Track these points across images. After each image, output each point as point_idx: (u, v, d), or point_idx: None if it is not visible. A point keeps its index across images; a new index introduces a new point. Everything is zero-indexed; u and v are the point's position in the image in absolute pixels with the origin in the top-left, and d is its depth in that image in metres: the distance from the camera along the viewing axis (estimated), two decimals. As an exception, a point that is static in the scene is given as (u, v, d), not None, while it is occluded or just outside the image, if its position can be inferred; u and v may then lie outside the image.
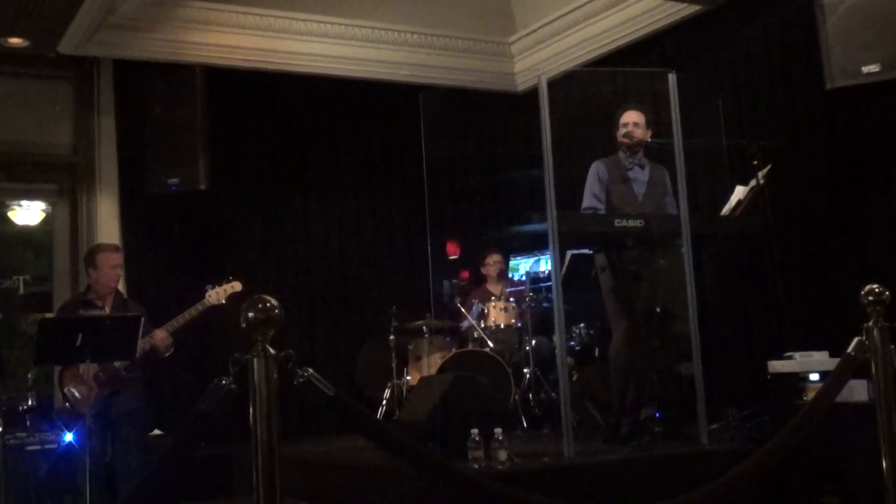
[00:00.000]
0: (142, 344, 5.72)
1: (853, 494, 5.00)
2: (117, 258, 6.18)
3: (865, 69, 5.96)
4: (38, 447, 6.37)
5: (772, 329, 6.51)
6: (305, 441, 6.75)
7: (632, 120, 5.86)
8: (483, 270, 8.18)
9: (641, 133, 5.85)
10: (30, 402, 7.20)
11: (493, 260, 8.09)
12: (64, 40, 7.19)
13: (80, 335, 5.28)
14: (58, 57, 7.46)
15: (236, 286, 6.21)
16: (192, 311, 6.06)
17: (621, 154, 5.93)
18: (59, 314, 6.36)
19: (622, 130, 5.86)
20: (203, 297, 6.15)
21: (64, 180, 7.99)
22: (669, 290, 5.61)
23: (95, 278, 6.12)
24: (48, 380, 7.58)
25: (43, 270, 9.83)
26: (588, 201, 5.80)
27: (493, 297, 7.58)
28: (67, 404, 5.93)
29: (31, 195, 8.49)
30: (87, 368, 5.60)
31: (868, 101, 6.27)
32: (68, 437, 6.17)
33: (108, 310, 6.03)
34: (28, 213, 9.00)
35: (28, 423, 6.75)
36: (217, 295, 6.16)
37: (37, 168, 7.90)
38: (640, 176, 5.91)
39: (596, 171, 5.86)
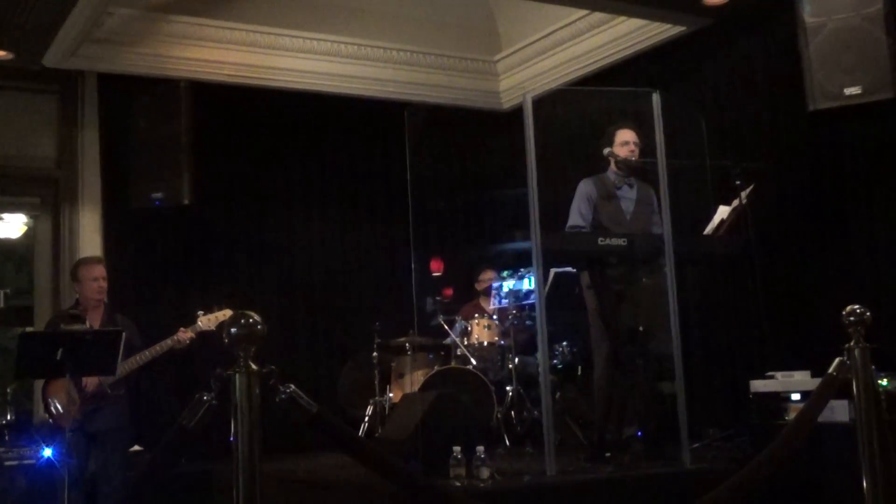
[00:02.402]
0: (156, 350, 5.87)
1: (834, 515, 5.01)
2: (98, 270, 6.13)
3: (847, 91, 6.02)
4: (16, 462, 6.29)
5: (753, 349, 6.52)
6: (287, 458, 6.70)
7: (632, 139, 5.87)
8: (477, 286, 8.18)
9: (637, 153, 5.87)
10: (8, 417, 7.14)
11: (487, 277, 8.08)
12: (48, 53, 7.17)
13: (61, 349, 5.25)
14: (42, 70, 7.44)
15: (227, 314, 6.14)
16: (182, 336, 6.02)
17: (611, 172, 5.94)
18: (46, 328, 6.33)
19: (620, 148, 5.86)
20: (194, 321, 6.13)
21: (46, 194, 7.95)
22: (652, 309, 5.62)
23: (80, 291, 6.11)
24: (27, 394, 7.51)
25: (24, 284, 9.78)
26: (573, 219, 5.81)
27: (485, 314, 7.58)
28: (49, 417, 5.89)
29: (13, 208, 8.44)
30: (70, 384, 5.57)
31: (850, 122, 6.32)
32: (47, 452, 6.11)
33: (95, 324, 5.99)
34: (9, 226, 8.95)
35: (6, 437, 6.69)
36: (207, 321, 6.12)
37: (19, 181, 7.87)
38: (629, 194, 5.93)
39: (585, 190, 5.86)
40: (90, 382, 5.73)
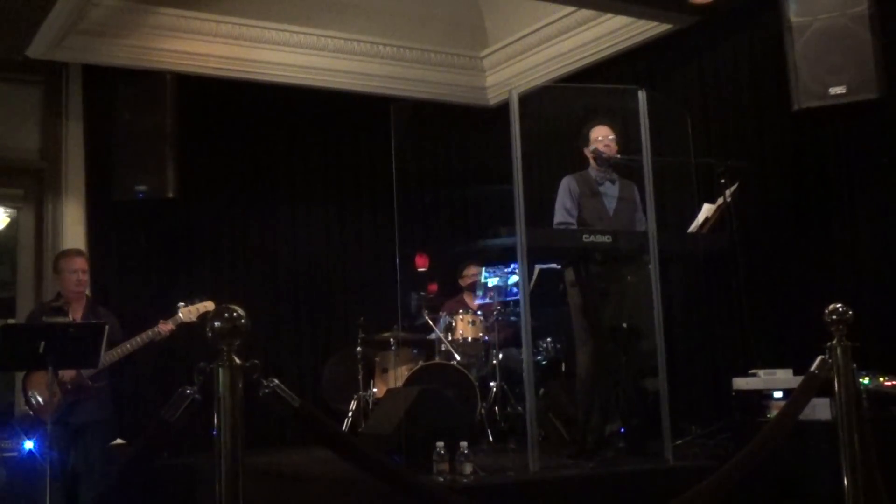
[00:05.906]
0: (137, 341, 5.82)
1: (815, 512, 5.04)
2: (78, 262, 6.09)
3: (832, 91, 6.04)
4: (-3, 455, 6.27)
5: (736, 346, 6.55)
6: (270, 452, 6.70)
7: (606, 135, 5.90)
8: (461, 282, 8.18)
9: (614, 147, 5.91)
10: (-11, 409, 7.09)
11: (471, 273, 8.08)
12: (33, 44, 7.12)
13: (43, 342, 5.22)
14: (26, 61, 7.38)
15: (209, 305, 6.12)
16: (162, 328, 5.99)
17: (592, 169, 5.96)
18: (27, 320, 6.30)
19: (597, 144, 5.89)
20: (175, 312, 6.10)
21: (30, 185, 7.90)
22: (636, 306, 5.63)
23: (61, 284, 6.09)
24: (9, 386, 7.47)
25: (6, 277, 9.70)
26: (560, 216, 5.82)
27: (469, 310, 7.58)
28: (29, 410, 5.86)
29: (-4, 200, 8.39)
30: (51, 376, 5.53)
31: (834, 122, 6.35)
32: (29, 444, 6.08)
33: (77, 317, 5.96)
34: (-8, 217, 8.89)
35: (-12, 430, 6.64)
36: (189, 313, 6.09)
37: (2, 173, 7.81)
38: (611, 191, 5.95)
39: (567, 186, 5.88)
40: (67, 374, 5.70)
